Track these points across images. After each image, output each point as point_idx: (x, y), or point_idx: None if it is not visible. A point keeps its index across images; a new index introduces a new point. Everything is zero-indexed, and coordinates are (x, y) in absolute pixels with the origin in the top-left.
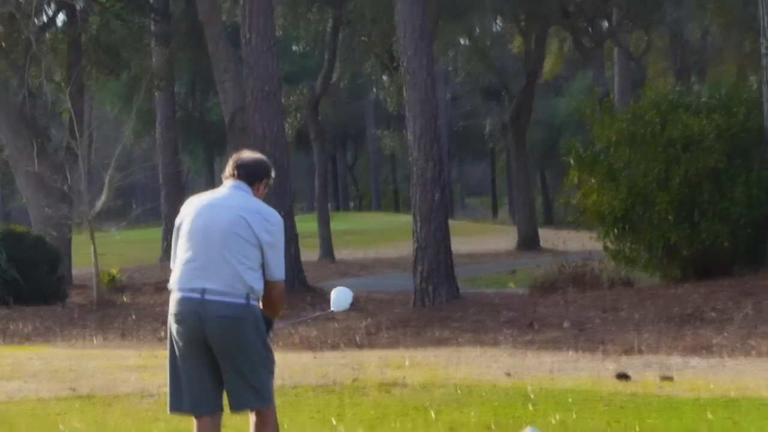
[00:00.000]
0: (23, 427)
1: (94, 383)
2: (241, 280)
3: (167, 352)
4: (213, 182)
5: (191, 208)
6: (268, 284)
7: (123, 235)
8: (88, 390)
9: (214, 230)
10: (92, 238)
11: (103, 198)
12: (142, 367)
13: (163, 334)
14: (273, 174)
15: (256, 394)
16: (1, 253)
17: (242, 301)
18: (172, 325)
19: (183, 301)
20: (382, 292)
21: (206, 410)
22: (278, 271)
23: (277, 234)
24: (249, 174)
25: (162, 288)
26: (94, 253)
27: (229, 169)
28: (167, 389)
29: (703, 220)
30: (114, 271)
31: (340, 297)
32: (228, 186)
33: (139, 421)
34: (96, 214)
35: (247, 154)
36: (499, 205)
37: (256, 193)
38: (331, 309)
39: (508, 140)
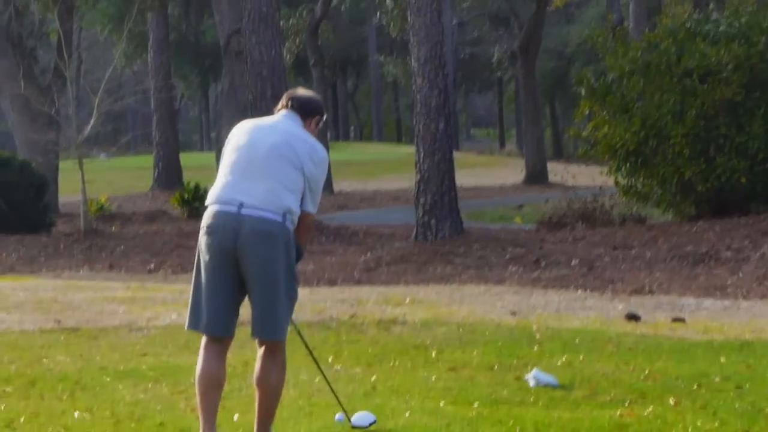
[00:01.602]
0: (5, 359)
1: (80, 316)
2: (280, 199)
3: (193, 271)
4: (207, 108)
5: (240, 129)
6: (301, 214)
7: (113, 162)
8: (73, 322)
9: (259, 148)
10: (80, 165)
11: (92, 123)
12: (130, 300)
13: (152, 266)
14: (325, 115)
15: (269, 326)
16: None
17: (279, 218)
18: (203, 239)
19: (219, 214)
20: (383, 226)
21: (218, 331)
22: (314, 204)
23: (320, 167)
24: (302, 107)
25: (153, 217)
26: (82, 181)
27: (282, 101)
28: (188, 306)
29: (720, 154)
30: (102, 200)
31: (363, 418)
32: (280, 114)
33: (127, 356)
34: (84, 140)
35: (302, 90)
36: (507, 137)
37: (307, 128)
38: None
39: (517, 69)
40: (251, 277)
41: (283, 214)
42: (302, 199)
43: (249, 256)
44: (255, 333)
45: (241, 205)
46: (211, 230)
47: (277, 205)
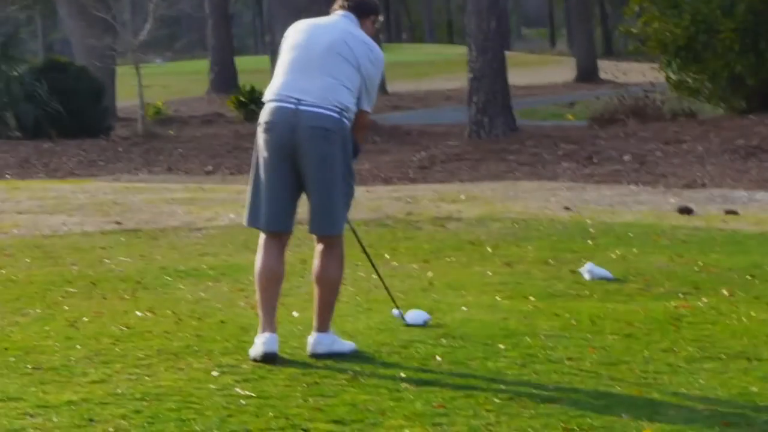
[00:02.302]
0: (68, 261)
1: (140, 217)
2: (337, 96)
3: (251, 168)
4: (260, 12)
5: (297, 28)
6: (358, 112)
7: (168, 66)
8: (133, 224)
9: (316, 45)
10: (137, 69)
11: (147, 28)
12: (189, 201)
13: (210, 167)
14: (381, 16)
15: (326, 221)
16: (42, 84)
17: (335, 115)
18: (260, 136)
19: (276, 110)
20: (436, 125)
21: (278, 227)
22: (370, 103)
23: (377, 66)
24: (357, 7)
25: (210, 120)
26: (139, 85)
27: (338, 1)
28: (247, 203)
29: None
30: (159, 104)
31: (417, 316)
32: (336, 14)
33: (187, 256)
34: (140, 45)
35: None
36: (557, 36)
37: (363, 28)
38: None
39: None
40: (308, 173)
41: (340, 110)
42: (359, 97)
43: (306, 151)
44: (312, 228)
45: (298, 102)
46: (269, 126)
47: (334, 102)
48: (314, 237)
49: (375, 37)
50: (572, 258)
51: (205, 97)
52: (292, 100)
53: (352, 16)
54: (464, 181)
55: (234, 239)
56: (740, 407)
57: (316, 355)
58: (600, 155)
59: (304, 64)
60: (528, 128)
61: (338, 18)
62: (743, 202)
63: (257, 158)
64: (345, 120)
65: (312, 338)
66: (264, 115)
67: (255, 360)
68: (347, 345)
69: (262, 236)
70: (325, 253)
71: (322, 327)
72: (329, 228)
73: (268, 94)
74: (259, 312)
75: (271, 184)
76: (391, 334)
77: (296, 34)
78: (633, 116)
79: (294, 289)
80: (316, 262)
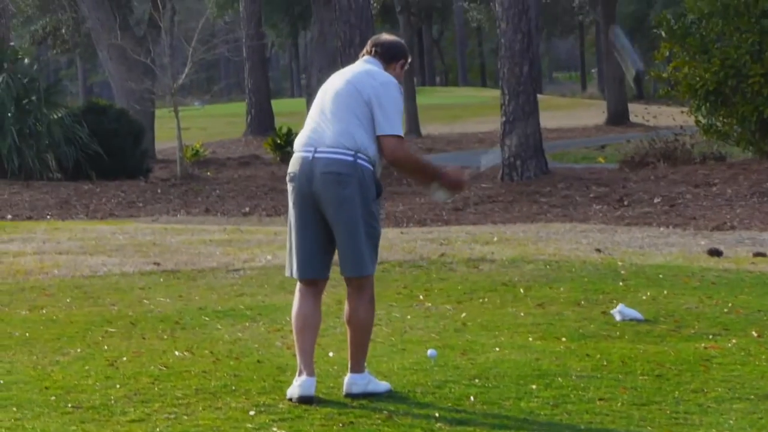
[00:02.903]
0: (107, 301)
1: (179, 258)
2: (350, 139)
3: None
4: (297, 57)
5: (326, 81)
6: (379, 140)
7: (206, 109)
8: (172, 264)
9: (329, 93)
10: (175, 112)
11: (186, 71)
12: (226, 242)
13: (247, 209)
14: (410, 58)
15: (352, 263)
16: (83, 127)
17: (349, 158)
18: (288, 186)
19: (296, 161)
20: (470, 168)
21: (309, 274)
22: (391, 125)
23: (384, 86)
24: (384, 52)
25: (247, 162)
26: (178, 127)
27: (366, 47)
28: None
29: None
30: (197, 146)
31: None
32: (361, 60)
33: (224, 296)
34: (179, 88)
35: (386, 36)
36: (588, 79)
37: (392, 72)
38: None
39: (598, 13)
40: (330, 218)
41: (354, 153)
42: (375, 125)
43: (323, 197)
44: (342, 271)
45: (315, 150)
46: (291, 177)
47: (347, 144)
48: (344, 279)
49: (407, 80)
50: (603, 299)
51: (242, 139)
52: (310, 150)
53: (376, 60)
54: (497, 222)
55: (271, 280)
56: None
57: (351, 396)
58: (631, 198)
59: (320, 113)
60: (560, 171)
61: (359, 63)
62: None
63: (289, 208)
64: (361, 161)
65: (347, 379)
66: (289, 167)
67: (291, 401)
68: (382, 385)
69: (298, 283)
70: (354, 295)
71: (357, 368)
72: (357, 270)
73: (294, 145)
74: (297, 354)
75: (300, 232)
76: (426, 374)
77: (323, 86)
78: (663, 159)
79: (330, 329)
80: (347, 304)
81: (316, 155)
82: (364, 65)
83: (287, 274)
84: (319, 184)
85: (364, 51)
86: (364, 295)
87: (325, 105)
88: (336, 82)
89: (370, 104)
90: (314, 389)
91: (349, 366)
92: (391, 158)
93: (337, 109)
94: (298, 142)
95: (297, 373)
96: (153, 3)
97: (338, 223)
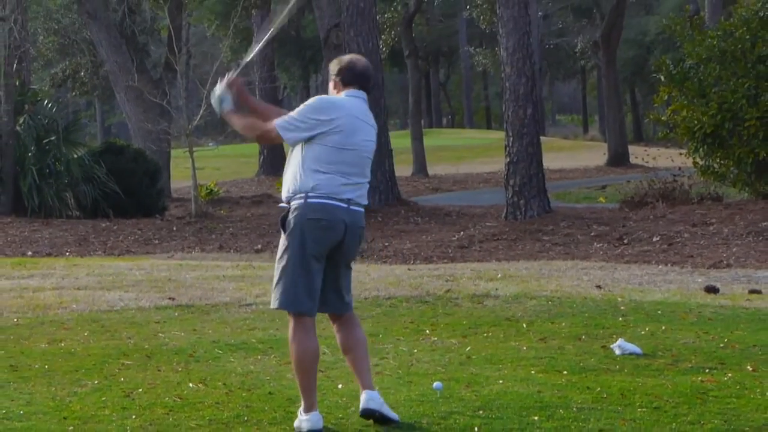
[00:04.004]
0: (124, 335)
1: (193, 293)
2: (364, 193)
3: (292, 256)
4: (308, 98)
5: (341, 121)
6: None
7: (220, 149)
8: (186, 299)
9: (362, 148)
10: (191, 152)
11: (201, 113)
12: (239, 278)
13: (259, 246)
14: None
15: (350, 301)
16: (101, 166)
17: (362, 210)
18: (309, 228)
19: (332, 209)
20: (475, 207)
21: (318, 310)
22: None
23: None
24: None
25: (258, 201)
26: (193, 167)
27: (354, 80)
28: (285, 289)
29: None
30: (212, 185)
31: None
32: (362, 101)
33: (237, 330)
34: (194, 129)
35: (354, 61)
36: (590, 122)
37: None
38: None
39: (599, 58)
40: (340, 263)
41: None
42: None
43: (351, 246)
44: (339, 310)
45: (349, 201)
46: (324, 224)
47: (364, 199)
48: (331, 317)
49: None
50: (603, 334)
51: (255, 178)
52: (344, 202)
53: (361, 93)
54: (501, 260)
55: (281, 315)
56: None
57: (369, 411)
58: (630, 236)
59: (350, 164)
60: (562, 210)
61: (365, 108)
62: (766, 282)
63: (298, 249)
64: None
65: (364, 395)
66: (318, 213)
67: None
68: (392, 414)
69: (300, 319)
70: (350, 323)
71: (371, 386)
72: (351, 305)
73: (319, 190)
74: (303, 393)
75: (317, 274)
76: (432, 405)
77: (346, 132)
78: (662, 199)
79: (339, 362)
80: (344, 335)
81: (351, 207)
82: (369, 113)
83: (304, 310)
84: (352, 235)
85: (347, 83)
86: (356, 319)
87: (357, 159)
88: (364, 135)
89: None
90: (322, 423)
91: (363, 384)
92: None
93: (366, 164)
94: (332, 190)
95: (305, 408)
96: (169, 47)
97: (347, 268)
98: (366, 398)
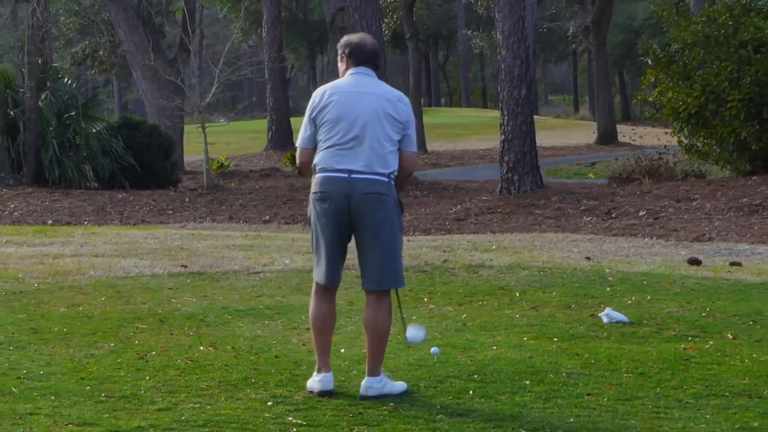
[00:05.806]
0: (138, 300)
1: (204, 261)
2: (384, 161)
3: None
4: (315, 78)
5: (334, 97)
6: (403, 155)
7: (231, 125)
8: (198, 267)
9: (360, 117)
10: (203, 128)
11: (212, 91)
12: (248, 247)
13: (267, 217)
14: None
15: (389, 277)
16: (118, 140)
17: (385, 179)
18: (317, 204)
19: (330, 180)
20: (471, 181)
21: (335, 282)
22: (411, 143)
23: (407, 109)
24: (379, 63)
25: (266, 175)
26: (205, 142)
27: (354, 57)
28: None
29: None
30: (222, 159)
31: (416, 334)
32: (368, 77)
33: (245, 296)
34: (206, 106)
35: (357, 39)
36: (580, 102)
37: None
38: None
39: (590, 41)
40: (365, 235)
41: (389, 174)
42: (402, 142)
43: (364, 216)
44: (372, 285)
45: (350, 171)
46: (325, 196)
47: (383, 166)
48: (368, 291)
49: (415, 103)
50: (592, 303)
51: (263, 153)
52: (345, 171)
53: (368, 70)
54: (495, 232)
55: (288, 282)
56: None
57: (366, 398)
58: (618, 210)
59: (350, 134)
60: (553, 185)
61: (373, 82)
62: (747, 255)
63: (316, 223)
64: (392, 181)
65: (364, 383)
66: (319, 185)
67: (311, 393)
68: (398, 386)
69: (316, 286)
70: (378, 304)
71: (374, 372)
72: (395, 283)
73: (319, 165)
74: (316, 351)
75: (330, 246)
76: (429, 370)
77: (339, 105)
78: (648, 176)
79: (341, 328)
80: (368, 311)
81: (353, 176)
82: (378, 84)
83: (318, 280)
84: (360, 203)
85: (354, 61)
86: (385, 303)
87: (356, 126)
88: (365, 104)
89: (404, 125)
90: (333, 384)
91: (366, 370)
92: (409, 171)
93: (374, 132)
94: (327, 163)
95: (316, 370)
96: (183, 28)
97: (374, 246)
98: (364, 386)
